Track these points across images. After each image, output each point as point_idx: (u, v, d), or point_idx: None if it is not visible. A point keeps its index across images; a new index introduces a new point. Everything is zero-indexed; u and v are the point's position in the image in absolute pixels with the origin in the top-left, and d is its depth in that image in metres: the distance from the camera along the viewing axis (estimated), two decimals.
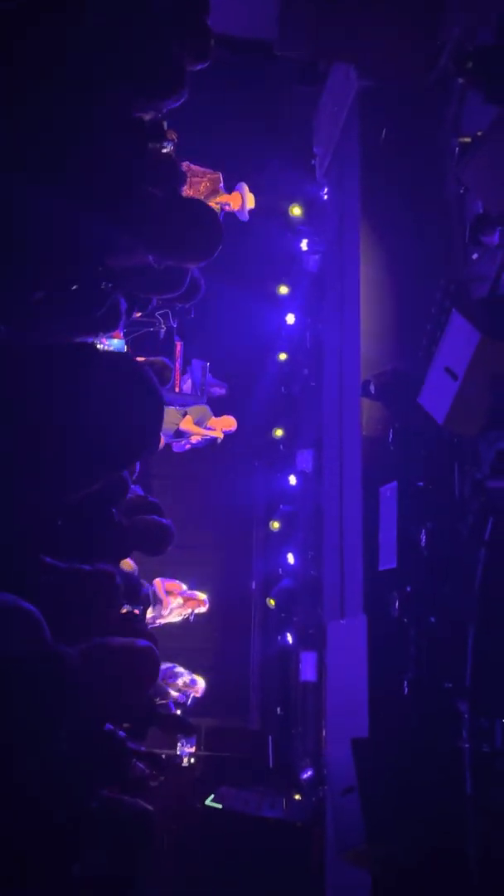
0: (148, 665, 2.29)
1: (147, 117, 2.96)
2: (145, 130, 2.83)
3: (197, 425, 7.95)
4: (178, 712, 7.28)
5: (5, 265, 1.99)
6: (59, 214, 2.28)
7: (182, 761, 7.85)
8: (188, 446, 8.16)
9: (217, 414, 8.31)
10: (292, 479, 9.31)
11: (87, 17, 2.38)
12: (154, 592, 7.57)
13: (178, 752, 7.84)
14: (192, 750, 7.92)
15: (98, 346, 3.18)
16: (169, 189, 2.98)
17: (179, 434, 7.92)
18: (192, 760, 7.88)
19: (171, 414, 7.74)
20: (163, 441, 6.71)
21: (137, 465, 2.79)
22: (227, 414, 8.66)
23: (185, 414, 7.93)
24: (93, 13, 2.40)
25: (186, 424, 7.88)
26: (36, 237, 2.19)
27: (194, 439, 8.09)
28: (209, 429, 8.05)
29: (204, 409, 8.13)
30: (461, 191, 5.30)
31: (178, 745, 7.85)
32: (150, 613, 6.97)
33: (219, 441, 8.20)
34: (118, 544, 3.02)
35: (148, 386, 1.85)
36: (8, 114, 2.21)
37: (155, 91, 2.74)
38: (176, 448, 8.17)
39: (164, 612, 7.60)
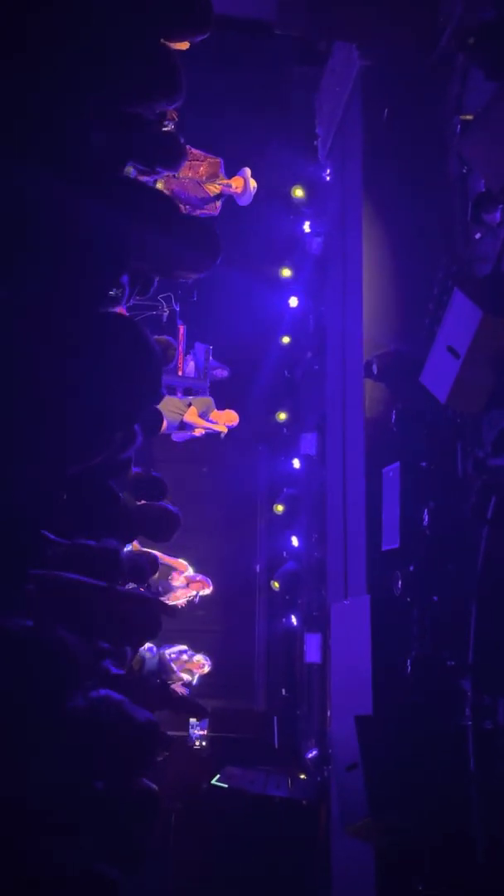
0: (151, 610, 2.31)
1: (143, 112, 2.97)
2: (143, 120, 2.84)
3: (201, 417, 7.94)
4: (187, 691, 7.36)
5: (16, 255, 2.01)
6: (66, 208, 2.29)
7: (194, 743, 7.92)
8: (189, 437, 8.15)
9: (220, 404, 8.30)
10: (296, 463, 9.33)
11: (81, 19, 2.38)
12: (160, 564, 7.61)
13: (190, 735, 7.92)
14: (204, 733, 7.99)
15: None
16: (169, 165, 2.99)
17: (183, 426, 7.91)
18: (203, 743, 7.95)
19: (174, 403, 7.74)
20: (165, 425, 6.69)
21: (138, 440, 2.81)
22: (231, 399, 8.66)
23: (189, 404, 7.92)
24: (87, 17, 2.40)
25: (191, 416, 7.87)
26: (45, 226, 2.21)
27: (197, 432, 8.08)
28: (212, 422, 8.02)
29: (208, 400, 8.12)
30: (464, 170, 5.27)
31: (190, 727, 7.92)
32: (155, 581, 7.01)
33: (222, 435, 8.19)
34: (124, 527, 3.05)
35: (142, 340, 1.87)
36: (11, 111, 2.23)
37: (151, 94, 2.75)
38: (177, 438, 8.16)
39: (173, 582, 7.62)
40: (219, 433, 7.99)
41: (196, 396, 7.97)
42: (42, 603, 2.31)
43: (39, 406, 1.72)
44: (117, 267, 2.56)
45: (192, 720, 7.82)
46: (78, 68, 2.49)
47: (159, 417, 4.66)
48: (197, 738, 7.90)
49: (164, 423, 6.28)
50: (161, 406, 6.61)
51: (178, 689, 7.25)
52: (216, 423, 7.90)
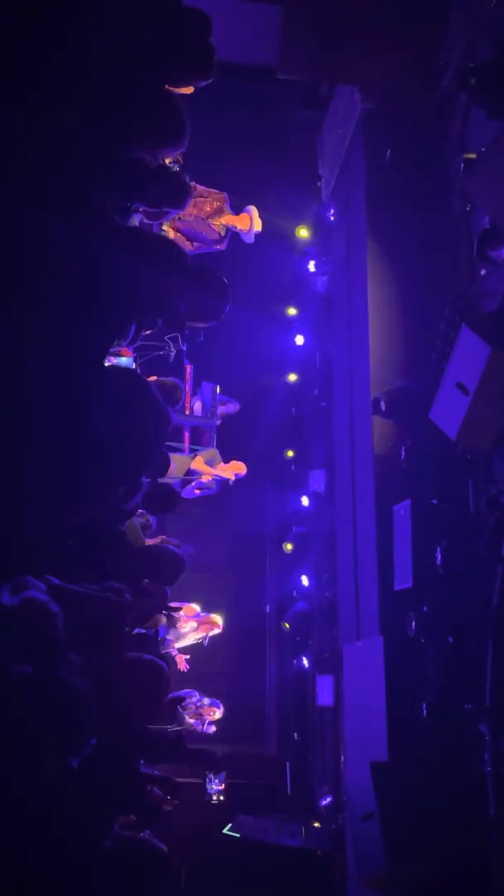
0: (156, 678, 2.26)
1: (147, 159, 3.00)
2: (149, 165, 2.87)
3: (207, 465, 7.90)
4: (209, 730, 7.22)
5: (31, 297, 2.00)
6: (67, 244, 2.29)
7: (211, 798, 7.74)
8: (197, 492, 8.04)
9: (227, 442, 8.27)
10: (305, 501, 9.25)
11: (86, 67, 2.41)
12: (167, 615, 7.50)
13: (207, 790, 7.75)
14: (222, 787, 7.81)
15: (106, 364, 3.20)
16: (174, 204, 3.00)
17: (189, 473, 7.85)
18: (222, 798, 7.76)
19: (179, 460, 7.69)
20: (172, 469, 6.62)
21: (142, 490, 2.79)
22: (239, 437, 8.63)
23: (194, 456, 7.89)
24: (91, 64, 2.43)
25: (198, 464, 7.83)
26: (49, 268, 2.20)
27: (205, 479, 8.00)
28: (220, 477, 7.94)
29: (213, 452, 8.08)
30: (467, 207, 5.30)
31: (207, 781, 7.75)
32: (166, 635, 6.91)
33: (231, 483, 8.11)
34: (129, 571, 3.01)
35: (149, 397, 1.85)
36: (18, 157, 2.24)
37: (155, 140, 2.78)
38: (185, 494, 8.06)
39: (181, 629, 7.51)
40: (227, 481, 7.91)
41: (201, 451, 7.92)
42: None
43: (46, 456, 1.70)
44: (129, 313, 2.57)
45: (210, 775, 7.66)
46: (83, 115, 2.51)
47: (167, 462, 4.64)
48: (215, 793, 7.71)
49: (172, 467, 6.23)
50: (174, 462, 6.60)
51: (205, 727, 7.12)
52: (223, 476, 7.83)
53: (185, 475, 7.82)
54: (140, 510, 5.35)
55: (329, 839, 7.11)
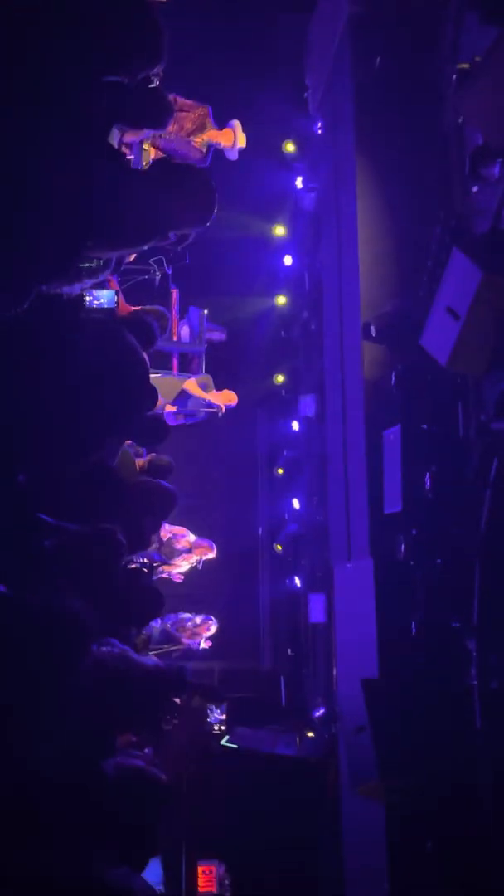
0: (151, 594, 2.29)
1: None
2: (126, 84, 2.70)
3: (200, 389, 7.78)
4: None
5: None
6: (45, 179, 2.19)
7: (213, 728, 8.04)
8: (181, 418, 7.94)
9: (216, 367, 8.16)
10: (295, 425, 9.26)
11: None
12: (159, 537, 7.60)
13: (209, 720, 8.05)
14: (224, 717, 8.10)
15: (87, 298, 3.11)
16: (156, 122, 2.86)
17: (181, 395, 7.74)
18: (223, 727, 8.07)
19: (170, 382, 7.58)
20: (161, 402, 6.52)
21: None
22: (228, 362, 8.54)
23: (186, 378, 7.76)
24: None
25: (190, 386, 7.72)
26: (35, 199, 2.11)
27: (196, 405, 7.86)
28: (207, 402, 7.83)
29: (207, 378, 7.95)
30: (459, 121, 5.10)
31: (209, 711, 8.05)
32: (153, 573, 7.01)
33: (220, 414, 8.02)
34: (121, 507, 3.01)
35: (122, 346, 1.81)
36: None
37: (131, 59, 2.61)
38: (170, 421, 7.98)
39: (176, 547, 7.61)
40: (216, 412, 7.84)
41: (193, 375, 7.79)
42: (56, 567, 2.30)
43: (35, 413, 1.68)
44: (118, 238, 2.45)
45: (212, 706, 7.95)
46: (53, 33, 2.36)
47: (154, 396, 4.59)
48: (216, 723, 8.02)
49: (160, 401, 6.17)
50: (158, 385, 6.50)
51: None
52: (214, 403, 7.75)
53: (175, 397, 7.73)
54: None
55: (323, 747, 7.44)
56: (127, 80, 2.50)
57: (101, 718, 2.26)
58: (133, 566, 3.75)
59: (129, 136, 5.23)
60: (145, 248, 2.73)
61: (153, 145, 6.58)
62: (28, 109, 2.28)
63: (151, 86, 4.51)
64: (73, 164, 2.30)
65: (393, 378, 5.40)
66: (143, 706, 2.40)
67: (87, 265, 2.27)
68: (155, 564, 6.56)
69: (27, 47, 2.12)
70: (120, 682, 2.26)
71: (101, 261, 2.71)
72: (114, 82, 2.70)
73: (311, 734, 7.80)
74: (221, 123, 7.07)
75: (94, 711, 2.18)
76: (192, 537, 7.75)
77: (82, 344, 1.70)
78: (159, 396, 5.81)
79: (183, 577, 7.86)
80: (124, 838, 2.24)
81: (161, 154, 6.51)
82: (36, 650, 1.86)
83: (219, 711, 7.98)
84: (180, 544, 7.74)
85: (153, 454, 6.10)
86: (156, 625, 7.18)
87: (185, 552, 7.85)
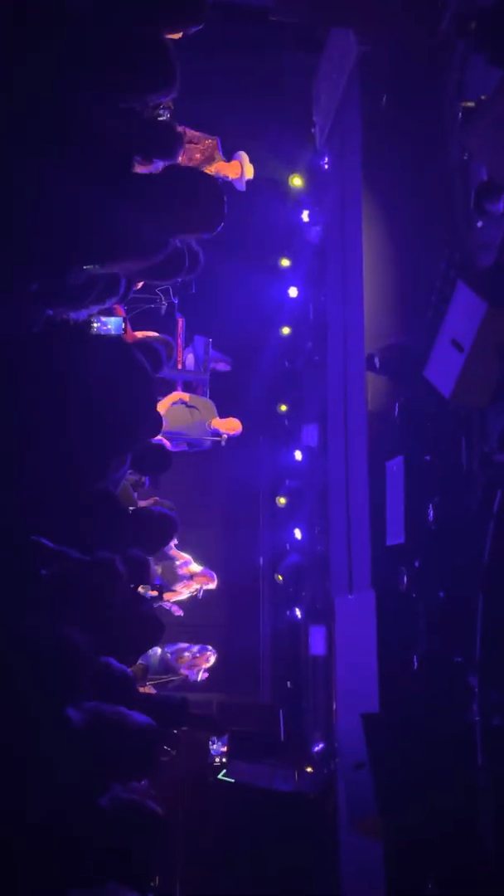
0: (151, 625, 2.28)
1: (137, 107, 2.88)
2: (138, 111, 2.76)
3: (198, 424, 7.75)
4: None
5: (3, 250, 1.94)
6: (53, 195, 2.22)
7: (214, 760, 7.94)
8: (184, 448, 7.91)
9: (220, 396, 8.17)
10: (298, 455, 9.26)
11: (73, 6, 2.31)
12: (166, 567, 7.58)
13: (210, 752, 7.95)
14: (225, 749, 7.99)
15: (94, 325, 3.13)
16: (165, 153, 2.90)
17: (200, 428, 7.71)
18: (224, 759, 7.95)
19: (178, 413, 7.58)
20: (165, 425, 6.53)
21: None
22: (232, 391, 8.56)
23: (192, 406, 7.73)
24: (80, 10, 2.33)
25: (217, 423, 7.69)
26: (32, 219, 2.14)
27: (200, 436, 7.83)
28: (214, 430, 7.82)
29: (209, 404, 7.96)
30: (465, 157, 5.18)
31: (210, 743, 7.94)
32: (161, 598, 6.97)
33: (223, 443, 8.01)
34: (121, 535, 3.01)
35: (134, 364, 1.82)
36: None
37: (145, 87, 2.67)
38: (172, 447, 7.96)
39: (178, 573, 7.57)
40: (220, 439, 7.83)
41: (196, 406, 7.78)
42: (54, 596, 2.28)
43: (36, 434, 1.68)
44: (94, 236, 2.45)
45: (213, 738, 7.85)
46: (69, 63, 2.42)
47: (159, 422, 4.61)
48: (217, 755, 7.90)
49: (164, 425, 6.18)
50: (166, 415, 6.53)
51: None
52: (218, 430, 7.74)
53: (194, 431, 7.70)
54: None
55: (322, 783, 7.32)
56: (140, 108, 2.55)
57: (95, 762, 2.23)
58: (137, 591, 3.73)
59: (140, 168, 5.31)
60: (155, 258, 2.73)
61: None
62: (42, 132, 2.33)
63: (162, 118, 4.59)
64: (79, 186, 2.33)
65: (396, 409, 5.42)
66: (136, 759, 2.37)
67: (89, 266, 2.28)
68: (155, 591, 6.53)
69: (45, 72, 2.16)
70: (113, 737, 2.23)
71: (102, 271, 2.70)
72: (127, 109, 2.75)
73: (309, 769, 7.68)
74: (229, 156, 7.19)
75: (88, 755, 2.15)
76: (195, 567, 7.72)
77: (89, 359, 1.71)
78: (165, 422, 5.83)
79: (181, 610, 7.81)
80: (119, 872, 2.20)
81: None
82: (31, 680, 1.84)
83: (220, 743, 7.87)
84: (182, 571, 7.71)
85: (156, 498, 6.11)
86: (154, 653, 7.12)
87: (187, 579, 7.82)
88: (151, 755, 2.40)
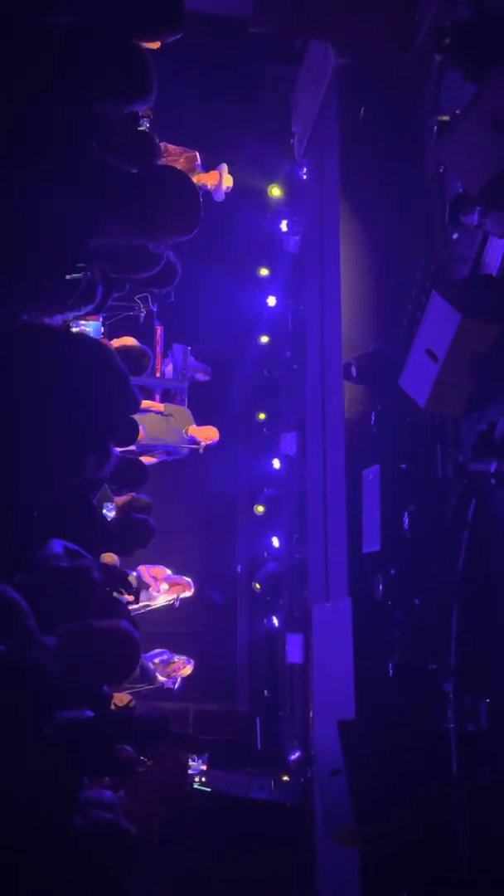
0: (128, 647, 2.27)
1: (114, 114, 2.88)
2: (113, 118, 2.76)
3: (174, 432, 7.74)
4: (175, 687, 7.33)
5: None
6: (29, 201, 2.23)
7: (195, 780, 7.91)
8: (160, 458, 7.88)
9: (198, 404, 8.19)
10: (276, 463, 9.29)
11: (52, 17, 2.31)
12: (139, 578, 7.55)
13: (190, 770, 7.92)
14: (204, 768, 7.97)
15: (73, 329, 3.12)
16: (143, 163, 2.90)
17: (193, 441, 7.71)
18: (204, 779, 7.92)
19: (154, 422, 7.58)
20: (142, 434, 6.51)
21: (113, 459, 2.76)
22: (211, 399, 8.58)
23: (168, 415, 7.73)
24: (58, 13, 2.33)
25: (194, 431, 7.69)
26: (10, 225, 2.14)
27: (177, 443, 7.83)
28: (191, 438, 7.81)
29: (185, 412, 7.96)
30: (440, 170, 5.24)
31: (190, 761, 7.91)
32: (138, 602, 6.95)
33: (201, 451, 7.99)
34: (98, 540, 3.00)
35: (106, 358, 1.82)
36: None
37: (122, 94, 2.67)
38: (157, 459, 7.92)
39: (153, 595, 7.57)
40: (198, 448, 7.83)
41: (172, 414, 7.77)
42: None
43: (10, 432, 1.68)
44: (77, 243, 2.43)
45: (193, 756, 7.82)
46: (49, 70, 2.42)
47: (135, 429, 4.61)
48: (197, 774, 7.87)
49: (142, 433, 6.19)
50: (143, 423, 6.52)
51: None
52: (195, 438, 7.74)
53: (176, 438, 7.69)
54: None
55: (298, 792, 7.32)
56: (117, 116, 2.56)
57: (66, 777, 2.21)
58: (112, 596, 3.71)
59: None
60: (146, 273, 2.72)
61: None
62: (19, 140, 2.33)
63: (142, 127, 4.60)
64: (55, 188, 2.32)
65: (373, 418, 5.45)
66: (109, 766, 2.34)
67: (72, 275, 2.27)
68: (131, 596, 6.50)
69: (21, 80, 2.17)
70: (87, 745, 2.21)
71: (82, 272, 2.69)
72: (102, 115, 2.75)
73: (286, 778, 7.68)
74: (208, 169, 7.22)
75: (60, 769, 2.13)
76: (168, 573, 7.70)
77: (68, 355, 1.71)
78: (142, 430, 5.82)
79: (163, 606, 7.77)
80: (92, 889, 2.18)
81: None
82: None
83: (200, 761, 7.84)
84: (157, 586, 7.70)
85: (132, 495, 6.10)
86: None
87: (163, 592, 7.80)
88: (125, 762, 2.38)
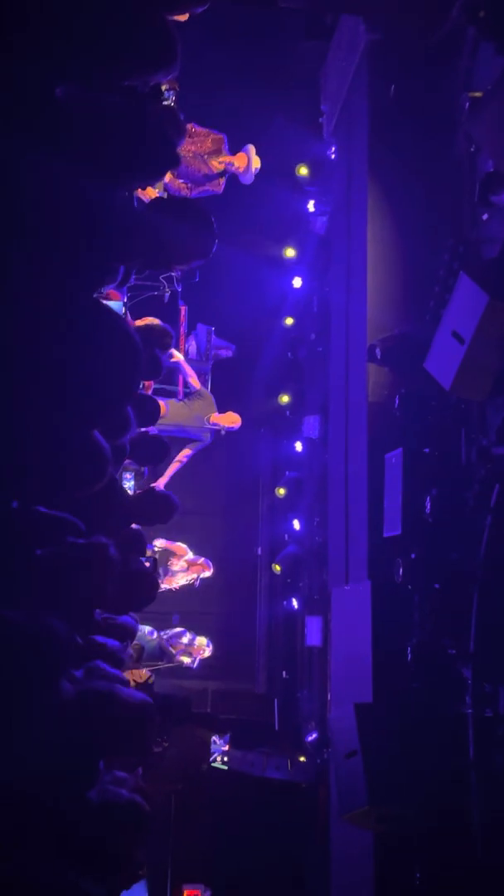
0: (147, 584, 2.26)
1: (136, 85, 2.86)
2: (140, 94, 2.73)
3: (197, 419, 7.68)
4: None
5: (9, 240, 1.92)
6: (56, 183, 2.20)
7: (217, 759, 7.96)
8: (188, 451, 7.83)
9: (221, 387, 8.15)
10: (298, 446, 9.26)
11: None
12: (160, 551, 7.59)
13: (212, 750, 7.97)
14: (226, 748, 8.01)
15: None
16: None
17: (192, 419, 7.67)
18: (226, 758, 7.96)
19: (176, 408, 7.55)
20: (164, 410, 6.47)
21: (132, 428, 2.76)
22: (234, 382, 8.55)
23: (193, 399, 7.67)
24: None
25: (216, 418, 7.65)
26: (39, 207, 2.12)
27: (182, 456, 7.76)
28: (213, 424, 7.76)
29: (208, 399, 7.91)
30: (471, 148, 5.14)
31: (212, 742, 7.96)
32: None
33: (222, 433, 7.95)
34: (118, 515, 3.00)
35: (121, 331, 1.81)
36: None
37: (146, 64, 2.63)
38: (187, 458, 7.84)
39: (172, 569, 7.59)
40: (219, 431, 7.77)
41: (196, 399, 7.72)
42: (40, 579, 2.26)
43: (24, 400, 1.67)
44: (125, 250, 2.44)
45: (215, 736, 7.87)
46: (73, 38, 2.39)
47: (156, 407, 4.60)
48: (219, 754, 7.91)
49: (165, 409, 6.16)
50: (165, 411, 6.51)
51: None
52: (217, 425, 7.68)
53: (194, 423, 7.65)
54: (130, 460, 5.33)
55: (314, 773, 7.35)
56: (142, 88, 2.52)
57: (84, 748, 2.21)
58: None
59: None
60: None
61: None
62: (41, 120, 2.30)
63: (166, 102, 4.55)
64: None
65: (397, 401, 5.40)
66: (129, 738, 2.35)
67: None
68: (154, 555, 6.51)
69: (42, 56, 2.14)
70: (105, 718, 2.21)
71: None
72: (128, 90, 2.72)
73: (302, 759, 7.71)
74: (235, 151, 7.14)
75: (76, 740, 2.14)
76: (190, 555, 7.73)
77: (73, 324, 1.70)
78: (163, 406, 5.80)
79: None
80: (104, 864, 2.20)
81: (178, 181, 6.56)
82: (9, 669, 1.82)
83: (222, 742, 7.89)
84: (176, 565, 7.73)
85: (152, 485, 6.11)
86: (151, 636, 7.13)
87: (183, 571, 7.83)
88: (145, 731, 2.39)
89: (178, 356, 7.35)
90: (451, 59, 5.46)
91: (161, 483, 7.44)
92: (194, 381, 7.58)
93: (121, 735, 2.27)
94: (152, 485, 6.15)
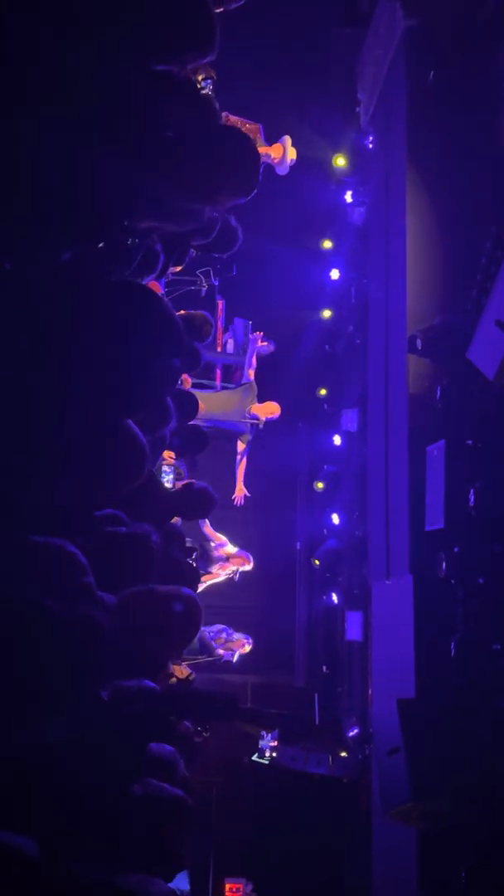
0: (190, 614, 2.26)
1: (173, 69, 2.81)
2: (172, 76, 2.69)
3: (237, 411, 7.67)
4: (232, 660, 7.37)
5: (31, 220, 1.92)
6: (81, 162, 2.19)
7: (264, 755, 7.93)
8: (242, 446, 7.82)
9: (259, 379, 8.13)
10: (337, 439, 9.20)
11: None
12: (202, 545, 7.60)
13: (260, 746, 7.95)
14: (275, 744, 7.98)
15: None
16: (203, 125, 2.82)
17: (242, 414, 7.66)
18: (275, 754, 7.93)
19: (221, 399, 7.54)
20: (203, 408, 6.44)
21: (172, 420, 2.74)
22: (272, 375, 8.51)
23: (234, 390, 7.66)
24: None
25: (256, 409, 7.64)
26: (60, 189, 2.11)
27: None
28: (252, 416, 7.73)
29: (253, 389, 7.87)
30: None
31: (261, 738, 7.94)
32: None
33: (260, 426, 7.92)
34: (158, 509, 3.00)
35: (156, 305, 1.78)
36: (25, 61, 2.12)
37: (181, 47, 2.58)
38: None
39: (214, 556, 7.58)
40: (258, 423, 7.75)
41: (239, 386, 7.70)
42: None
43: (61, 382, 1.67)
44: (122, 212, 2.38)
45: (263, 732, 7.85)
46: (111, 21, 2.36)
47: (195, 402, 4.60)
48: (268, 749, 7.88)
49: (202, 407, 6.14)
50: (205, 400, 6.51)
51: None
52: (257, 416, 7.65)
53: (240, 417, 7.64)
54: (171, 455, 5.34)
55: (355, 768, 7.31)
56: (178, 71, 2.48)
57: (128, 747, 2.21)
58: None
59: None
60: (189, 226, 2.61)
61: None
62: (72, 95, 2.28)
63: (203, 90, 4.51)
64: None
65: (438, 392, 5.32)
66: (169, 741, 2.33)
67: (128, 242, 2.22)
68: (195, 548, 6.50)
69: (79, 32, 2.12)
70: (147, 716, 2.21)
71: (134, 239, 2.62)
72: (165, 74, 2.68)
73: (343, 754, 7.67)
74: (271, 141, 7.09)
75: (120, 732, 2.14)
76: (231, 548, 7.72)
77: (110, 301, 1.69)
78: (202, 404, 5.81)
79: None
80: (147, 856, 2.20)
81: None
82: (53, 662, 1.81)
83: (270, 737, 7.85)
84: (218, 552, 7.72)
85: (189, 481, 6.10)
86: None
87: (223, 561, 7.82)
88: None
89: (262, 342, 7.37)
90: (494, 42, 5.34)
91: (239, 482, 7.49)
92: (250, 373, 7.57)
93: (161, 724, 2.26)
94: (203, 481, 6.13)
